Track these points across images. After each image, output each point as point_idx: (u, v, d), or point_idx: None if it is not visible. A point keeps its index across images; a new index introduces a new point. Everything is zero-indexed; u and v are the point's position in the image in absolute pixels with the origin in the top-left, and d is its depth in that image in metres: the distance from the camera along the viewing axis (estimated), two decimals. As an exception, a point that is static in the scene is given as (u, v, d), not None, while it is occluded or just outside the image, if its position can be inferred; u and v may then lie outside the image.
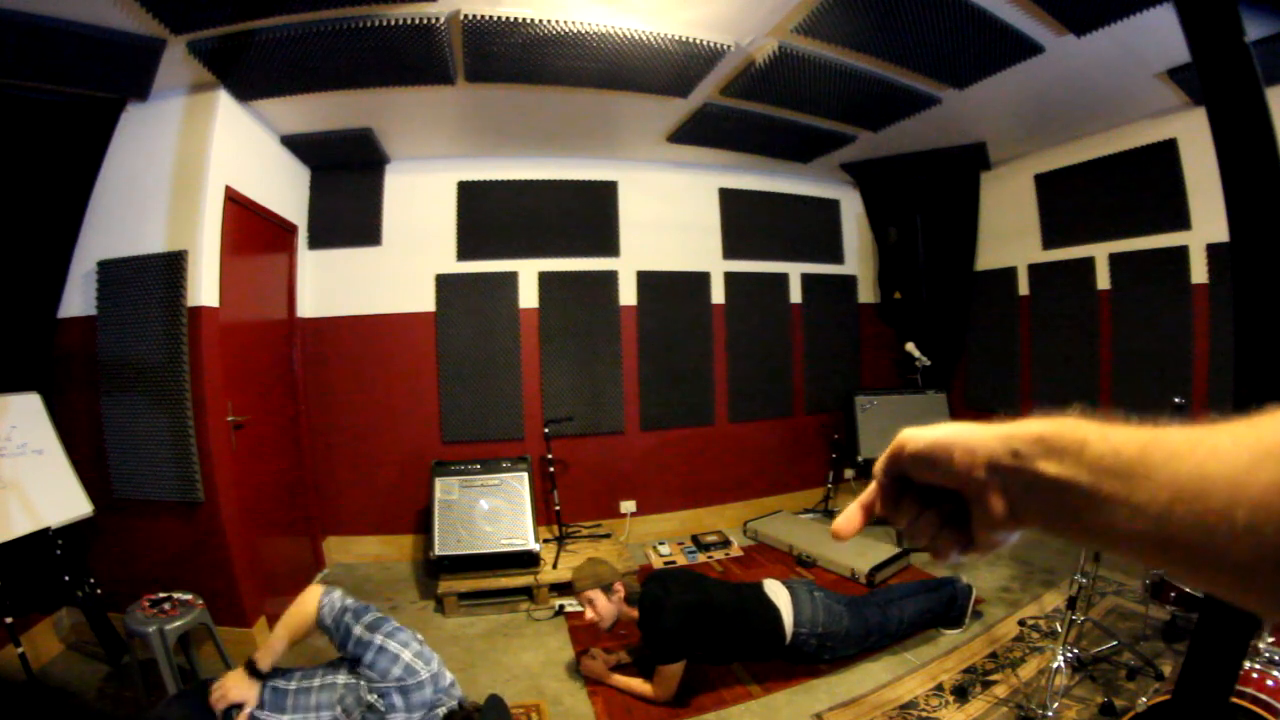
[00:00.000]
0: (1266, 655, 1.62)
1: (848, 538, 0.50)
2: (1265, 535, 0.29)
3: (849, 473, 4.86)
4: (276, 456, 3.52)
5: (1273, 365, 0.62)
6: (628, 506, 4.34)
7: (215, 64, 2.63)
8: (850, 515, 0.50)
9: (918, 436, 0.44)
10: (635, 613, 2.51)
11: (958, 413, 4.59)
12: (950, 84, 3.13)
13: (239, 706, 1.70)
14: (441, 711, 1.73)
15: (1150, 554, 0.34)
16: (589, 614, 2.52)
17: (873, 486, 0.49)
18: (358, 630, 1.74)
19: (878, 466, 0.48)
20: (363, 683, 1.72)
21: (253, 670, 1.76)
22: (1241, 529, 0.30)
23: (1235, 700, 1.45)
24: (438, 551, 3.36)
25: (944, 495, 0.44)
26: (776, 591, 2.67)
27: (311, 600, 1.80)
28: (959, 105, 3.36)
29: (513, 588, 3.37)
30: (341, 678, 1.75)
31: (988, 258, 4.66)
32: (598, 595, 2.51)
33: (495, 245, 4.17)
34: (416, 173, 4.08)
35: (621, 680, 2.57)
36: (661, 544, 4.13)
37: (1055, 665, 2.21)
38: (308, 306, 3.97)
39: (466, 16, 2.40)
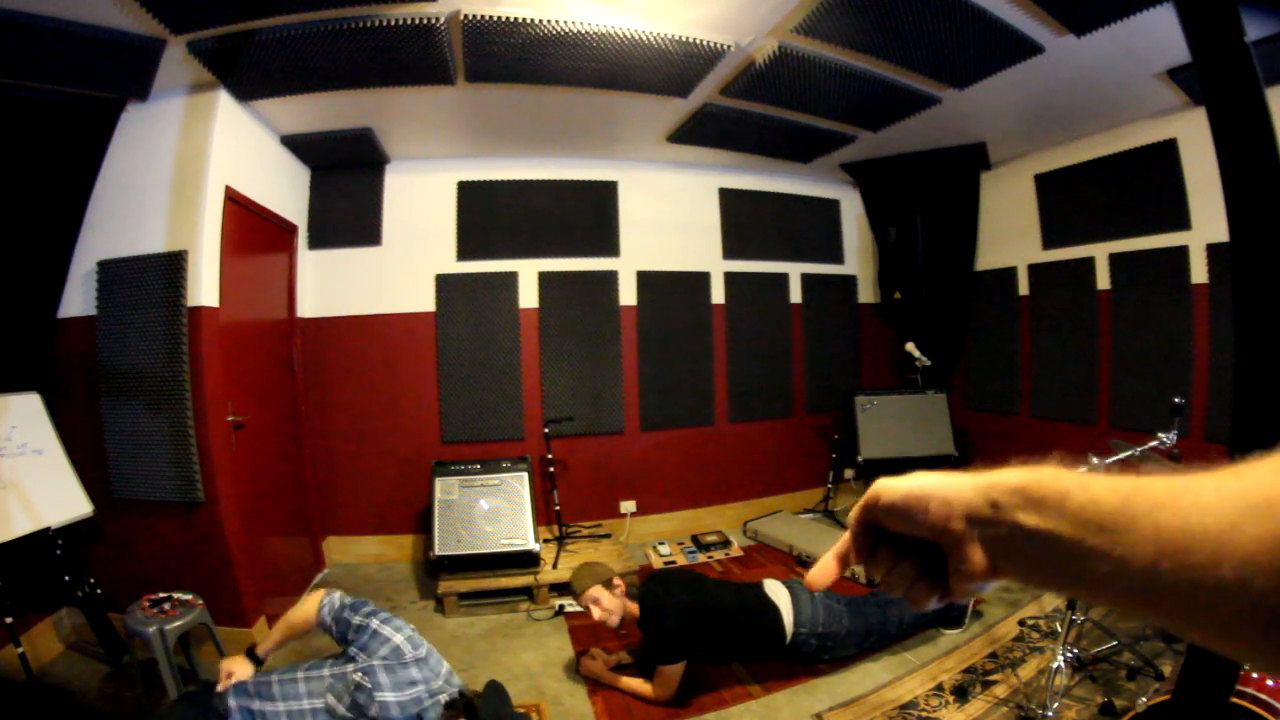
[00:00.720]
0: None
1: (822, 589, 0.50)
2: (1253, 590, 0.28)
3: (849, 473, 4.86)
4: (276, 456, 3.51)
5: (1273, 365, 0.62)
6: (628, 506, 4.34)
7: (215, 64, 2.63)
8: (825, 566, 0.50)
9: (893, 487, 0.44)
10: (636, 608, 2.51)
11: (957, 413, 4.59)
12: (950, 84, 3.13)
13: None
14: (443, 698, 1.77)
15: (1134, 606, 0.34)
16: (596, 613, 2.51)
17: (847, 536, 0.49)
18: (356, 619, 1.82)
19: (851, 517, 0.48)
20: (350, 667, 1.76)
21: (252, 655, 1.88)
22: (1229, 584, 0.29)
23: (1235, 700, 1.45)
24: (438, 551, 3.36)
25: (920, 545, 0.44)
26: (777, 591, 2.67)
27: (313, 602, 1.90)
28: (959, 105, 3.36)
29: (513, 588, 3.37)
30: (327, 670, 1.81)
31: (988, 258, 4.66)
32: (601, 592, 2.51)
33: (495, 245, 4.17)
34: (416, 173, 4.08)
35: (622, 680, 2.57)
36: (661, 544, 4.13)
37: (1055, 665, 2.21)
38: (308, 306, 3.97)
39: (466, 16, 2.40)
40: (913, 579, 0.45)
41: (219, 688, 1.77)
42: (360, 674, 1.73)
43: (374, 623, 1.82)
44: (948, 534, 0.41)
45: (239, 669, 1.82)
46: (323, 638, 1.96)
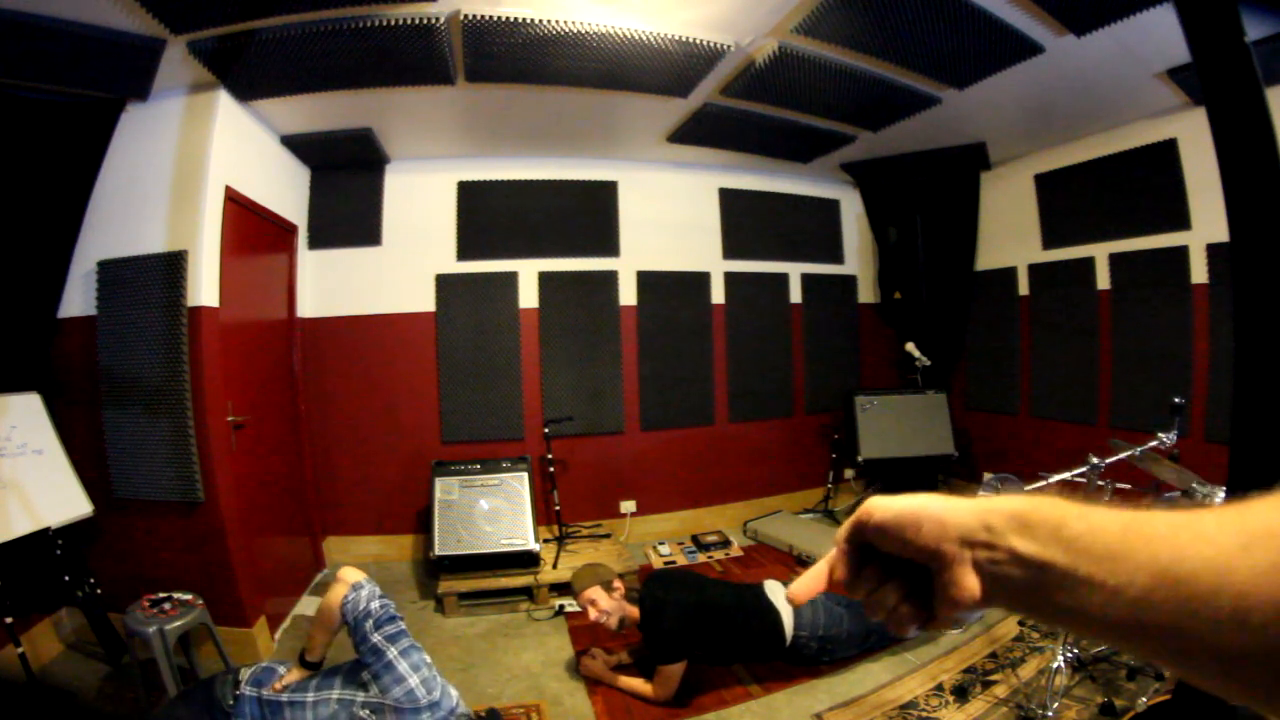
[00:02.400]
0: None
1: (802, 603, 0.49)
2: (1251, 624, 0.28)
3: (849, 473, 4.86)
4: (276, 456, 3.51)
5: (1273, 365, 0.62)
6: (628, 506, 4.34)
7: (215, 64, 2.63)
8: (809, 579, 0.49)
9: (885, 506, 0.43)
10: (636, 611, 2.51)
11: (957, 413, 4.59)
12: (950, 84, 3.13)
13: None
14: None
15: (1126, 639, 0.34)
16: (593, 614, 2.51)
17: (834, 552, 0.48)
18: (375, 639, 1.74)
19: (840, 534, 0.47)
20: (360, 696, 1.73)
21: (304, 662, 1.84)
22: (1226, 617, 0.29)
23: (1235, 700, 1.44)
24: (438, 551, 3.36)
25: (907, 567, 0.43)
26: (776, 593, 2.67)
27: (338, 594, 1.82)
28: (959, 105, 3.36)
29: (513, 588, 3.37)
30: (336, 693, 1.76)
31: (988, 258, 4.66)
32: (599, 593, 2.51)
33: (495, 245, 4.17)
34: (416, 173, 4.08)
35: (622, 680, 2.57)
36: (661, 544, 4.13)
37: (1055, 665, 2.20)
38: (308, 306, 3.97)
39: (466, 16, 2.40)
40: (897, 601, 0.44)
41: (267, 691, 1.76)
42: (369, 711, 1.70)
43: (391, 653, 1.73)
44: (939, 556, 0.40)
45: (291, 676, 1.81)
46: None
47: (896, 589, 0.44)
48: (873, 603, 0.46)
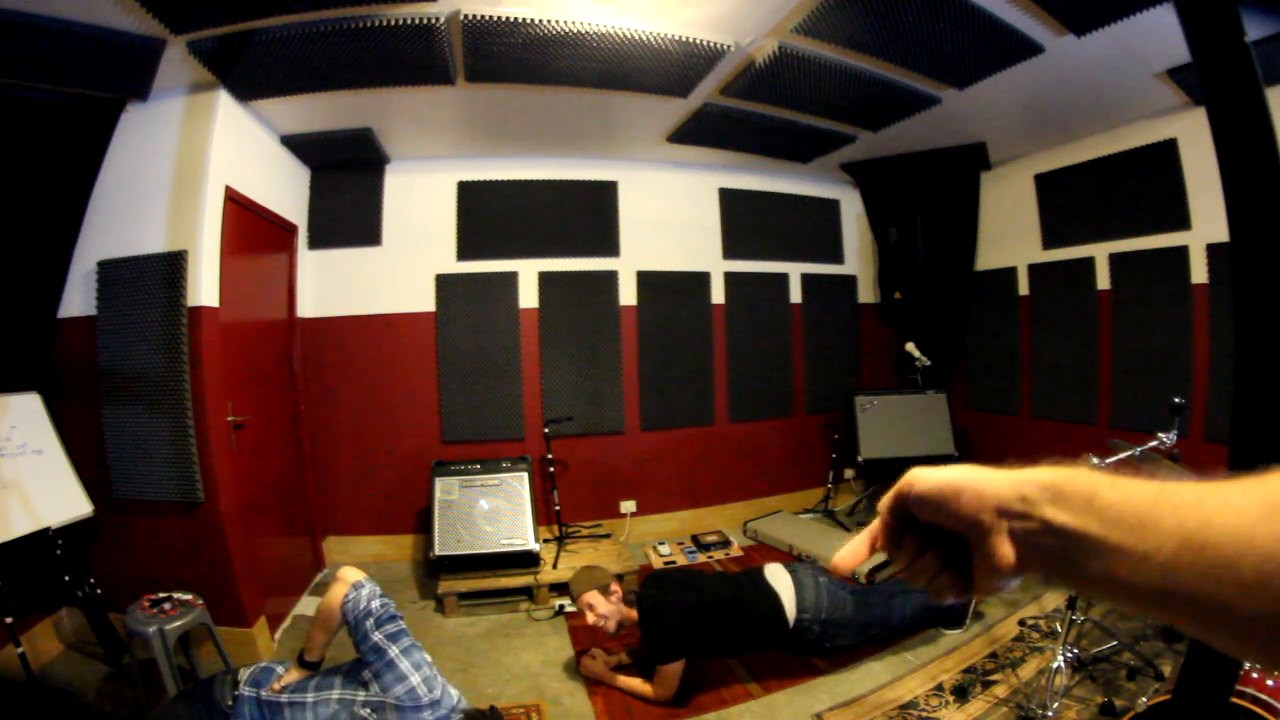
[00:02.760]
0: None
1: (848, 571, 0.50)
2: (1272, 588, 0.29)
3: (849, 473, 4.86)
4: (276, 456, 3.51)
5: (1273, 365, 0.62)
6: (628, 506, 4.34)
7: (215, 64, 2.63)
8: (854, 548, 0.50)
9: (926, 477, 0.44)
10: (634, 614, 2.51)
11: (957, 413, 4.59)
12: (950, 84, 3.13)
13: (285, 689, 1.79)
14: None
15: (1154, 605, 0.35)
16: (590, 618, 2.52)
17: (877, 522, 0.49)
18: (375, 637, 1.74)
19: (883, 503, 0.48)
20: (361, 695, 1.72)
21: (303, 662, 1.83)
22: (1249, 581, 0.30)
23: (1235, 700, 1.45)
24: (438, 551, 3.36)
25: (946, 537, 0.44)
26: (777, 576, 2.67)
27: (338, 593, 1.81)
28: (959, 105, 3.36)
29: (513, 588, 3.37)
30: (336, 693, 1.75)
31: (988, 258, 4.66)
32: (596, 598, 2.51)
33: (495, 245, 4.17)
34: (416, 173, 4.08)
35: (621, 680, 2.57)
36: (661, 544, 4.13)
37: (1055, 665, 2.21)
38: (308, 306, 3.97)
39: (466, 16, 2.40)
40: (936, 570, 0.46)
41: (266, 692, 1.76)
42: (370, 710, 1.70)
43: (393, 652, 1.73)
44: (978, 526, 0.41)
45: (290, 676, 1.81)
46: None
47: (936, 558, 0.46)
48: (914, 570, 0.47)
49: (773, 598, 2.58)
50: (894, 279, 4.88)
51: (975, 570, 0.42)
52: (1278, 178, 0.57)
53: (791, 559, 3.87)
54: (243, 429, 3.06)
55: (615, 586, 2.57)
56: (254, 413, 3.20)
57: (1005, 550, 0.40)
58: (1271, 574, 0.29)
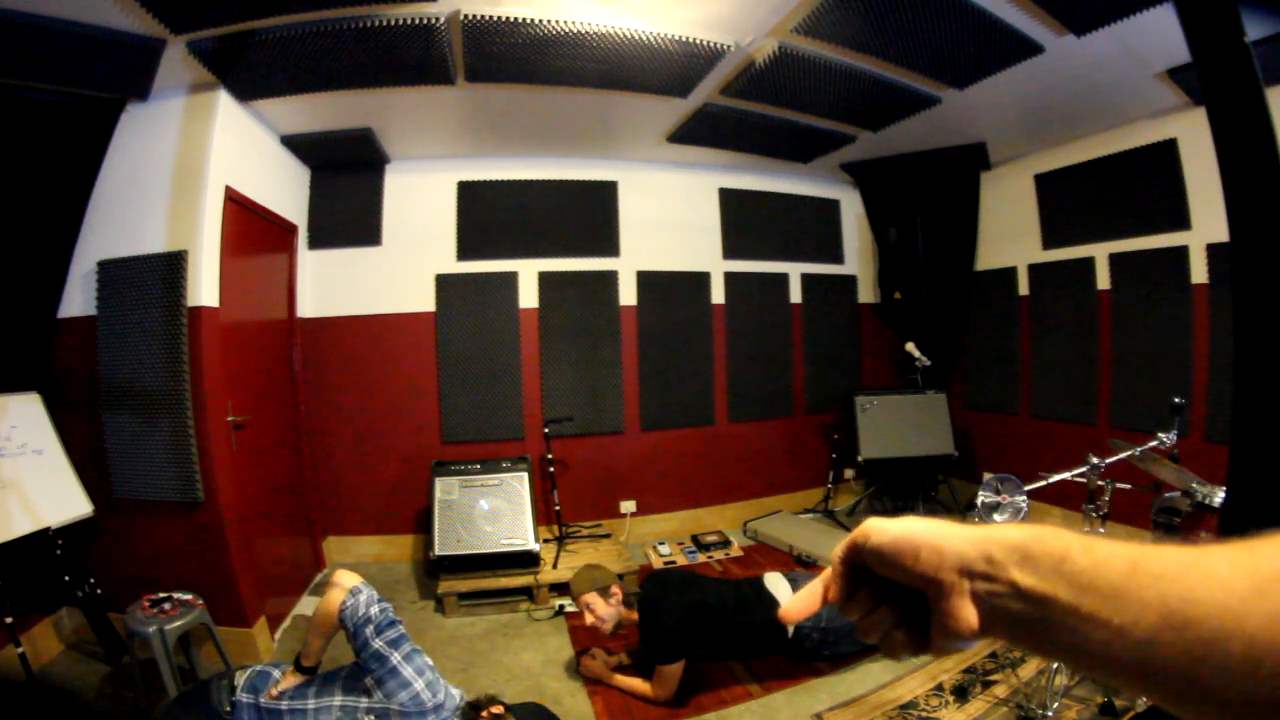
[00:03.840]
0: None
1: (795, 621, 0.47)
2: (1262, 672, 0.27)
3: (849, 473, 4.86)
4: (276, 456, 3.51)
5: (1273, 365, 0.62)
6: (628, 506, 4.34)
7: (215, 64, 2.63)
8: (805, 598, 0.48)
9: (883, 529, 0.42)
10: (634, 615, 2.51)
11: (957, 413, 4.59)
12: (950, 84, 3.13)
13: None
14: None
15: (1130, 679, 0.33)
16: (588, 619, 2.52)
17: (828, 571, 0.47)
18: (376, 644, 1.73)
19: (837, 552, 0.46)
20: (364, 701, 1.72)
21: (300, 667, 1.82)
22: (1236, 664, 0.28)
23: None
24: (438, 551, 3.36)
25: (903, 591, 0.42)
26: (777, 584, 2.67)
27: (335, 599, 1.80)
28: (959, 105, 3.36)
29: (513, 588, 3.37)
30: (338, 699, 1.74)
31: (988, 258, 4.66)
32: (595, 600, 2.51)
33: (495, 245, 4.17)
34: (416, 173, 4.08)
35: (621, 680, 2.57)
36: (661, 544, 4.13)
37: (1055, 665, 2.20)
38: (308, 306, 3.97)
39: (466, 16, 2.40)
40: (891, 626, 0.44)
41: (264, 698, 1.75)
42: (374, 717, 1.69)
43: (395, 658, 1.71)
44: (936, 584, 0.39)
45: (287, 681, 1.80)
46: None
47: (891, 613, 0.44)
48: (866, 625, 0.45)
49: (773, 605, 2.58)
50: (894, 279, 4.88)
51: (933, 630, 0.40)
52: (1278, 178, 0.57)
53: (792, 561, 3.87)
54: (243, 429, 3.06)
55: (616, 589, 2.56)
56: (254, 413, 3.20)
57: (967, 612, 0.38)
58: (1261, 656, 0.27)
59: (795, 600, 0.48)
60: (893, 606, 0.44)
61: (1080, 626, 0.33)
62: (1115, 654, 0.32)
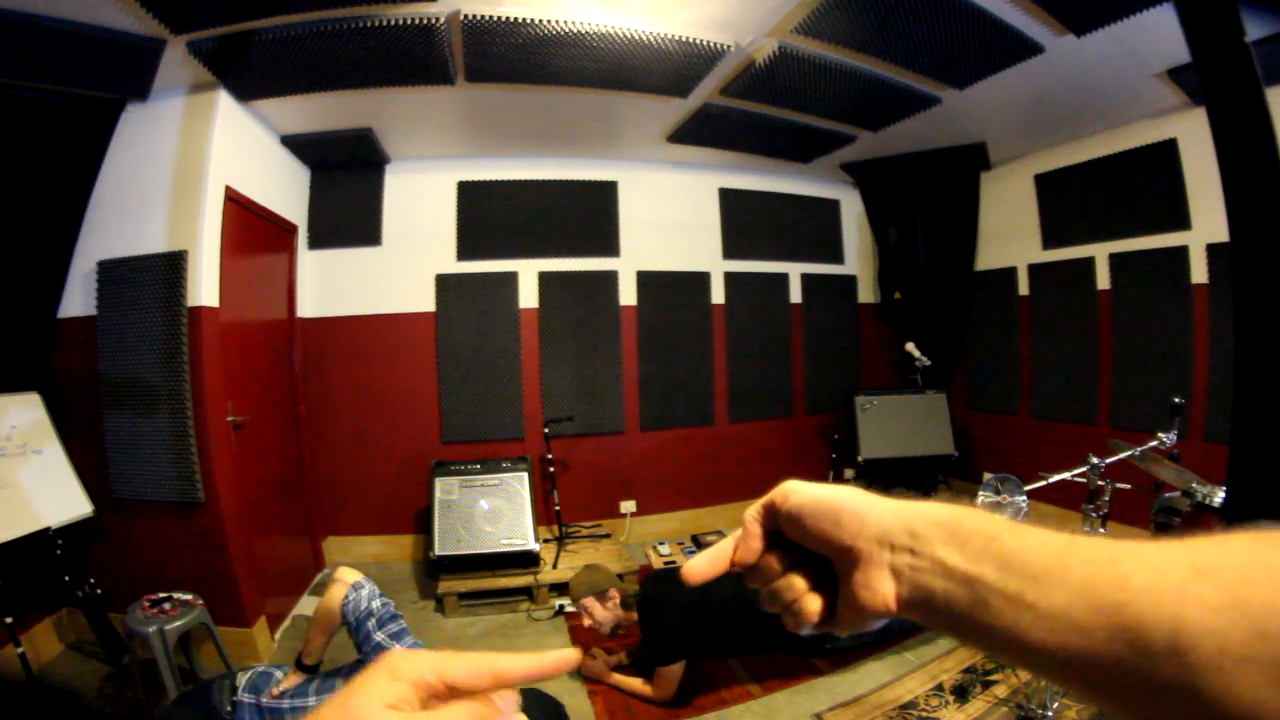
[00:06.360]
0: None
1: (695, 584, 0.45)
2: (1189, 660, 0.26)
3: (849, 473, 4.85)
4: (276, 456, 3.51)
5: (1273, 365, 0.62)
6: (628, 506, 4.34)
7: (215, 64, 2.63)
8: (711, 557, 0.45)
9: (804, 491, 0.41)
10: (633, 616, 2.51)
11: (957, 413, 4.59)
12: (950, 84, 3.13)
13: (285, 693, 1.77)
14: None
15: (1049, 667, 0.31)
16: (587, 623, 2.53)
17: (739, 532, 0.45)
18: (378, 637, 1.74)
19: (750, 513, 0.44)
20: None
21: (301, 665, 1.82)
22: (1163, 650, 0.27)
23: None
24: (438, 551, 3.36)
25: (815, 560, 0.40)
26: None
27: (337, 594, 1.81)
28: (959, 105, 3.36)
29: (513, 588, 3.37)
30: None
31: (988, 258, 4.66)
32: (592, 604, 2.51)
33: (495, 245, 4.17)
34: (416, 173, 4.08)
35: (622, 680, 2.57)
36: (661, 544, 4.13)
37: (1055, 665, 2.20)
38: (308, 306, 3.97)
39: (466, 16, 2.40)
40: (797, 596, 0.41)
41: (265, 698, 1.74)
42: None
43: (397, 650, 1.74)
44: (852, 553, 0.37)
45: (289, 680, 1.80)
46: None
47: (799, 581, 0.41)
48: (770, 592, 0.43)
49: None
50: (894, 279, 4.88)
51: (841, 601, 0.39)
52: (1278, 178, 0.57)
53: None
54: (243, 429, 3.06)
55: (613, 592, 2.56)
56: (254, 413, 3.20)
57: (883, 585, 0.36)
58: (1190, 646, 0.26)
59: (699, 559, 0.45)
60: (803, 574, 0.41)
61: (1005, 609, 0.32)
62: (1040, 639, 0.30)
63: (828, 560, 0.40)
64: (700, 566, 0.45)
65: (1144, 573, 0.29)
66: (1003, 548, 0.33)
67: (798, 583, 0.42)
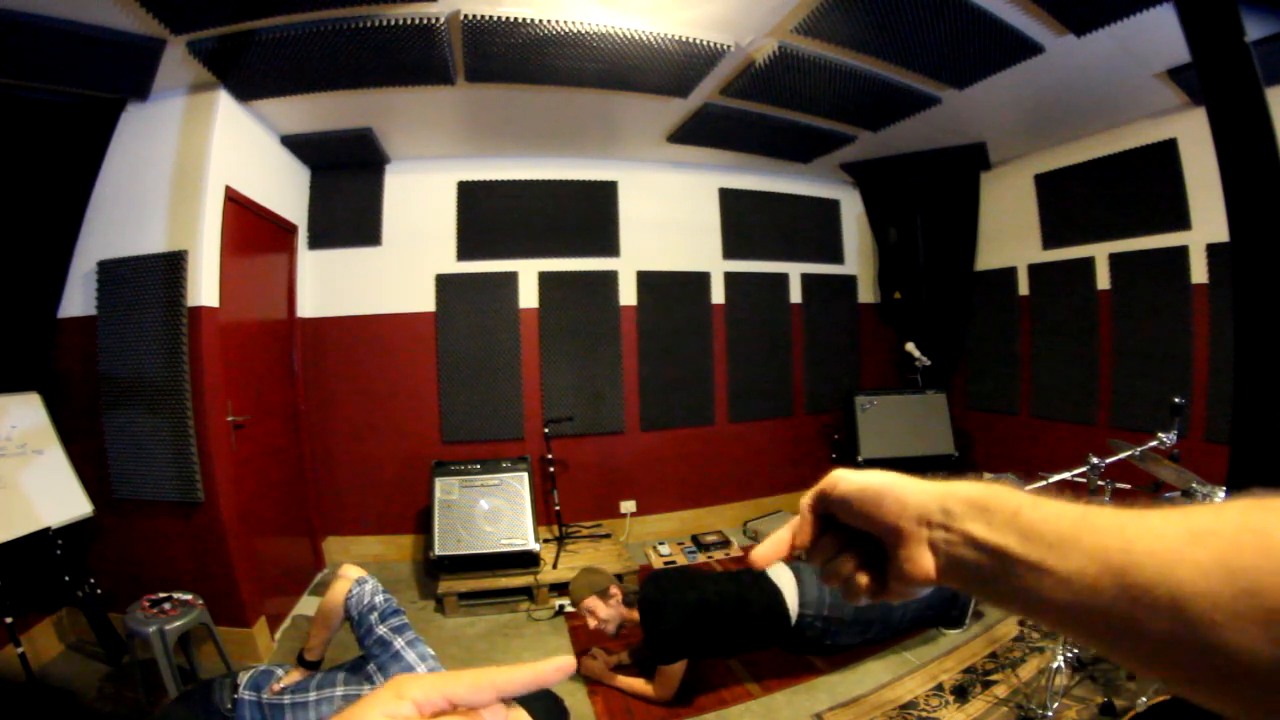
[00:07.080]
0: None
1: (764, 567, 0.51)
2: (1187, 615, 0.29)
3: (849, 473, 4.85)
4: (276, 456, 3.51)
5: (1273, 365, 0.62)
6: (628, 506, 4.34)
7: (215, 64, 2.63)
8: (775, 543, 0.51)
9: (850, 478, 0.45)
10: (635, 614, 2.51)
11: (957, 413, 4.59)
12: (950, 84, 3.13)
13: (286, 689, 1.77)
14: None
15: (1072, 624, 0.35)
16: (591, 623, 2.52)
17: (796, 519, 0.50)
18: (380, 630, 1.75)
19: (805, 501, 0.49)
20: (365, 689, 1.71)
21: (303, 662, 1.83)
22: (1165, 606, 0.30)
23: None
24: (438, 551, 3.36)
25: (865, 539, 0.45)
26: (779, 572, 2.67)
27: (341, 589, 1.82)
28: (959, 105, 3.36)
29: (513, 588, 3.37)
30: (340, 689, 1.74)
31: (988, 258, 4.66)
32: (595, 603, 2.51)
33: (495, 245, 4.17)
34: (416, 173, 4.08)
35: (622, 680, 2.57)
36: (661, 544, 4.13)
37: (1055, 665, 2.20)
38: (308, 306, 3.97)
39: (466, 16, 2.40)
40: (852, 571, 0.47)
41: (266, 694, 1.74)
42: None
43: (398, 644, 1.72)
44: (896, 532, 0.42)
45: (290, 677, 1.80)
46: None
47: (852, 559, 0.47)
48: (829, 569, 0.48)
49: (774, 593, 2.58)
50: (894, 279, 4.88)
51: (890, 575, 0.43)
52: (1278, 178, 0.57)
53: (790, 559, 3.87)
54: (243, 429, 3.06)
55: (614, 589, 2.56)
56: (254, 413, 3.20)
57: (924, 559, 0.41)
58: (1186, 600, 0.29)
59: (764, 546, 0.50)
60: (855, 553, 0.47)
61: (1028, 575, 0.36)
62: (1060, 600, 0.34)
63: (876, 539, 0.44)
64: (766, 552, 0.51)
65: (1147, 538, 0.32)
66: (1024, 520, 0.37)
67: (850, 561, 0.47)
